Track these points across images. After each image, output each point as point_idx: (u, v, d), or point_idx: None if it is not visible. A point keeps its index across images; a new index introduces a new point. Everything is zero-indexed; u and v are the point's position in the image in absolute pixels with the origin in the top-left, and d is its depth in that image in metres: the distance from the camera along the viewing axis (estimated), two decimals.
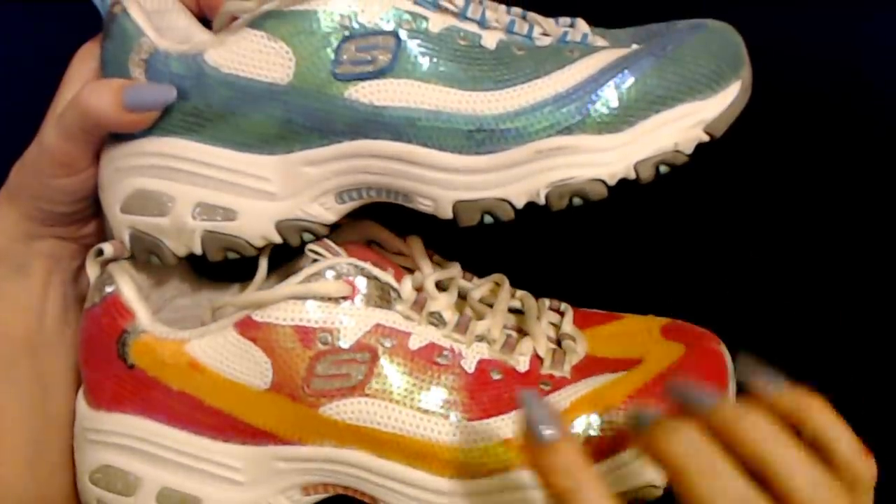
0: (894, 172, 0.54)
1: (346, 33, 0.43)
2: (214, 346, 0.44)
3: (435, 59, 0.43)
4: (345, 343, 0.43)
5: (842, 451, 0.37)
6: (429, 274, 0.46)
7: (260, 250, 0.45)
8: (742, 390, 0.45)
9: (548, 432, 0.36)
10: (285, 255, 0.47)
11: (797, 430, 0.37)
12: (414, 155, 0.43)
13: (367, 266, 0.45)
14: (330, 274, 0.44)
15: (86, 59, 0.46)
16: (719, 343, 0.47)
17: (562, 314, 0.48)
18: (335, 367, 0.43)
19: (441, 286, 0.47)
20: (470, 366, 0.44)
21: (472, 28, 0.44)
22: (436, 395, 0.44)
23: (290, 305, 0.44)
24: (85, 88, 0.43)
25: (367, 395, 0.43)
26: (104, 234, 0.49)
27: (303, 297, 0.44)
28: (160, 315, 0.47)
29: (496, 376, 0.44)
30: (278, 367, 0.43)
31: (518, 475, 0.43)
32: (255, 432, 0.45)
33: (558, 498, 0.36)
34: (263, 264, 0.46)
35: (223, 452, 0.45)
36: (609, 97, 0.42)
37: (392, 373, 0.44)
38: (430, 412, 0.43)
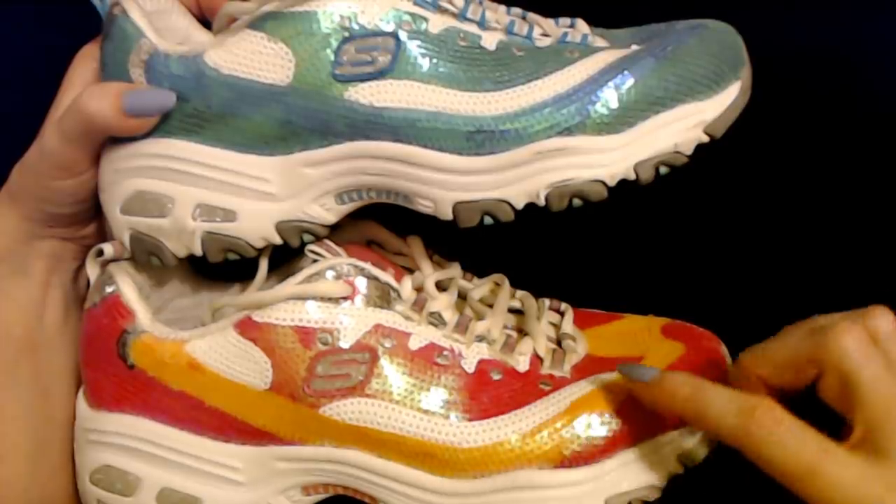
0: (894, 172, 0.54)
1: (346, 34, 0.43)
2: (214, 346, 0.44)
3: (435, 60, 0.43)
4: (345, 343, 0.43)
5: None
6: (429, 274, 0.46)
7: (260, 251, 0.45)
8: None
9: (649, 374, 0.42)
10: (285, 255, 0.47)
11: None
12: (414, 156, 0.43)
13: (367, 266, 0.45)
14: (330, 274, 0.44)
15: (86, 61, 0.46)
16: (719, 343, 0.47)
17: (562, 314, 0.48)
18: (335, 367, 0.43)
19: (441, 286, 0.47)
20: (470, 366, 0.44)
21: (472, 29, 0.44)
22: (436, 396, 0.44)
23: (290, 306, 0.44)
24: (85, 93, 0.43)
25: (367, 396, 0.43)
26: (105, 234, 0.49)
27: (303, 298, 0.44)
28: (160, 315, 0.47)
29: (496, 376, 0.45)
30: (278, 368, 0.43)
31: (517, 475, 0.43)
32: (255, 432, 0.45)
33: (687, 410, 0.41)
34: (264, 265, 0.46)
35: (223, 452, 0.45)
36: (609, 98, 0.42)
37: (392, 373, 0.44)
38: (431, 412, 0.43)
